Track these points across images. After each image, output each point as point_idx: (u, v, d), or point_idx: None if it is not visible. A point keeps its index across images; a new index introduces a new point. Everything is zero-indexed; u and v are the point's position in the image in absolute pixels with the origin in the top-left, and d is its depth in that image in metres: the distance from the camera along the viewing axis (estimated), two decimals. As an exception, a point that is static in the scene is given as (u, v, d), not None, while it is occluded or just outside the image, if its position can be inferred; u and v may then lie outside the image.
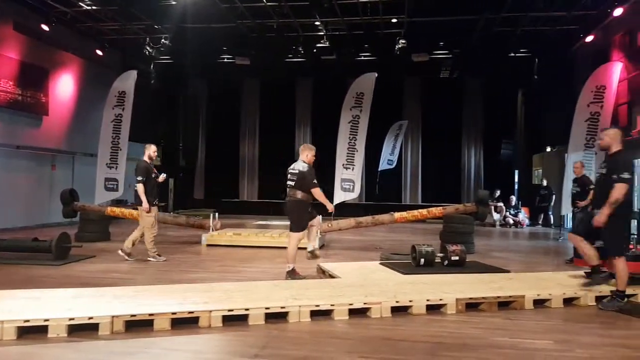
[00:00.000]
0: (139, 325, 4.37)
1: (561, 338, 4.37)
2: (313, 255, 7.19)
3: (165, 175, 8.73)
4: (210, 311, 4.54)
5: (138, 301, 4.80)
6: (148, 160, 8.41)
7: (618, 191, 5.17)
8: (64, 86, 15.70)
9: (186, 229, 12.44)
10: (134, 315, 4.38)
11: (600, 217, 5.22)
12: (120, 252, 8.31)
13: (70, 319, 4.24)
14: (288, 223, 7.08)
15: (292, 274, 6.71)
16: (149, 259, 8.27)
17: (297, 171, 6.80)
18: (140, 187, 8.15)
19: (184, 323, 4.47)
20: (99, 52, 16.14)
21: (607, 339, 4.36)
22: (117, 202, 15.45)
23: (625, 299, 5.35)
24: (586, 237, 5.56)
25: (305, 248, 7.28)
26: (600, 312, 5.27)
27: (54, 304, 4.69)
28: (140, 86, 13.82)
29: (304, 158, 6.92)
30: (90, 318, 4.30)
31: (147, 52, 15.84)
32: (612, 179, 5.24)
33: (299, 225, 6.87)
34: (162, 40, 15.46)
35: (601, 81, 12.17)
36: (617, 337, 4.41)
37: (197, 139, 22.34)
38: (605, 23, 13.79)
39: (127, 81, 12.92)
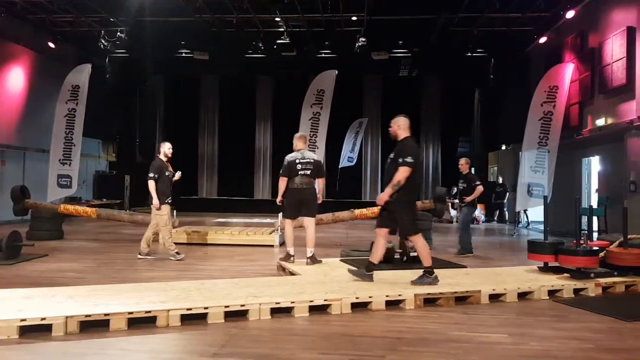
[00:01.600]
0: (94, 326, 4.26)
1: (516, 331, 4.48)
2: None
3: (180, 173, 8.52)
4: (168, 310, 4.46)
5: (93, 301, 4.67)
6: (164, 158, 8.27)
7: (401, 174, 5.50)
8: (14, 79, 15.11)
9: (143, 227, 12.16)
10: (89, 316, 4.27)
11: (383, 195, 5.53)
12: (139, 256, 8.22)
13: (22, 320, 4.10)
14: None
15: (314, 259, 7.06)
16: (170, 258, 8.13)
17: (312, 160, 7.17)
18: (150, 184, 8.03)
19: (141, 323, 4.38)
20: (52, 45, 15.62)
21: (559, 331, 4.50)
22: (71, 200, 15.06)
23: (434, 274, 5.58)
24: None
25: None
26: (553, 306, 5.44)
27: (5, 305, 4.51)
28: (95, 80, 13.44)
29: (306, 147, 7.36)
30: (43, 319, 4.16)
31: (102, 46, 15.39)
32: (397, 163, 5.54)
33: (315, 211, 7.33)
34: (118, 33, 15.05)
35: (554, 81, 12.57)
36: (568, 329, 4.55)
37: (154, 135, 21.90)
38: (558, 25, 14.24)
39: (81, 75, 12.58)
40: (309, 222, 7.19)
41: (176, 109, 21.75)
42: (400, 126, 5.81)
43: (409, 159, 5.50)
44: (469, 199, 9.01)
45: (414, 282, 5.61)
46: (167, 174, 8.19)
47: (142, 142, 21.67)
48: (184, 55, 17.61)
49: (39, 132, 14.92)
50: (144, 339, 4.13)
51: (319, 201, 7.38)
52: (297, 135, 7.55)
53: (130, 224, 12.21)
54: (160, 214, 8.13)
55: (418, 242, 5.67)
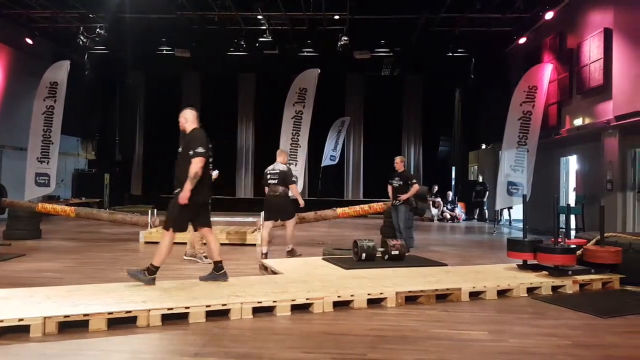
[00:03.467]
0: (73, 327, 4.21)
1: (495, 328, 4.54)
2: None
3: (217, 172, 8.37)
4: (149, 310, 4.42)
5: (72, 301, 4.62)
6: None
7: (195, 165, 5.38)
8: (-10, 76, 14.86)
9: (123, 226, 12.07)
10: (68, 316, 4.22)
11: (184, 193, 5.33)
12: (200, 261, 8.03)
13: (-1, 322, 4.04)
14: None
15: (292, 253, 8.21)
16: (196, 259, 8.04)
17: (278, 171, 8.17)
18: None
19: (122, 323, 4.34)
20: (29, 41, 15.34)
21: (537, 328, 4.57)
22: (49, 198, 14.85)
23: (154, 276, 5.38)
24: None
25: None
26: (531, 303, 5.51)
27: (-20, 306, 4.44)
28: (74, 77, 13.26)
29: (282, 160, 8.33)
30: (21, 320, 4.10)
31: (81, 42, 15.15)
32: (189, 155, 5.44)
33: (291, 214, 8.39)
34: (98, 29, 14.84)
35: (533, 81, 12.73)
36: (546, 326, 4.62)
37: (134, 133, 21.67)
38: (537, 26, 14.40)
39: (59, 72, 12.41)
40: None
41: (157, 107, 21.47)
42: (188, 119, 5.80)
43: (200, 150, 5.41)
44: (404, 197, 9.06)
45: (201, 278, 5.70)
46: None
47: (122, 141, 21.44)
48: (164, 52, 17.42)
49: (16, 129, 14.64)
50: (124, 339, 4.10)
51: (301, 205, 8.36)
52: (278, 150, 8.71)
53: (110, 223, 12.09)
54: None
55: (164, 238, 5.50)
